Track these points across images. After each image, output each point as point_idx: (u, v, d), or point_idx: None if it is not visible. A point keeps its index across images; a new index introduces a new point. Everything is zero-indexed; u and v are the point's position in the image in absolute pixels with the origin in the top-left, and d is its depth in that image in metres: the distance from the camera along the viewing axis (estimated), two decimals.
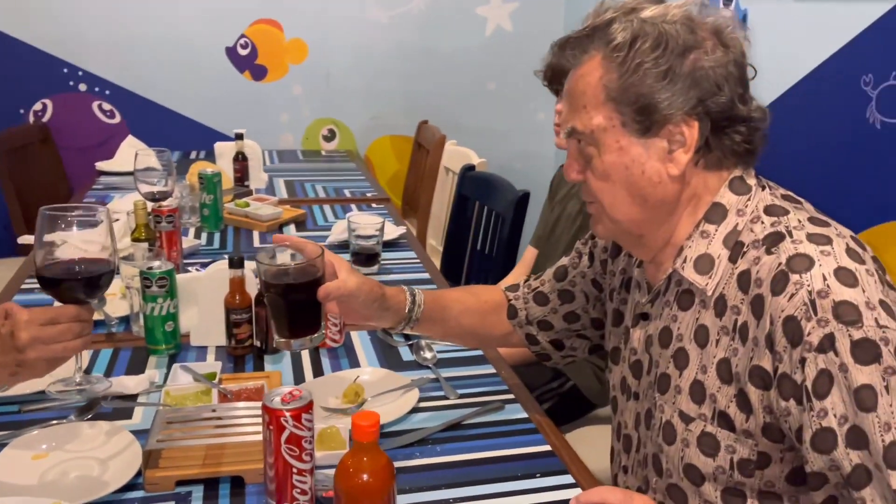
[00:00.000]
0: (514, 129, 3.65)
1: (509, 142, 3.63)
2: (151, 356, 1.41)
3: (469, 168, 2.44)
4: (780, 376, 0.81)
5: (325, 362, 1.42)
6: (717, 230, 0.92)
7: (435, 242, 2.94)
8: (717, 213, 0.92)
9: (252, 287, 1.44)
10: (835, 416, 0.77)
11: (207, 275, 1.48)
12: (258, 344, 1.44)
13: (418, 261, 2.01)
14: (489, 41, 3.54)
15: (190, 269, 1.78)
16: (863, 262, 0.82)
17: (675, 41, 0.87)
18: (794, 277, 0.81)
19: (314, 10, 3.39)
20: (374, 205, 2.56)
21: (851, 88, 1.81)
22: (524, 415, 1.25)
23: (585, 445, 1.24)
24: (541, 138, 3.69)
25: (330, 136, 3.57)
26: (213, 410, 1.14)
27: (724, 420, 0.88)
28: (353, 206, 2.52)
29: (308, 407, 0.94)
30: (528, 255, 1.93)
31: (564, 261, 1.26)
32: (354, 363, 1.42)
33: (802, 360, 0.79)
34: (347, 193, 2.69)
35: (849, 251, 0.82)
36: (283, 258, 1.08)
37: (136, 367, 1.37)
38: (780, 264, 0.83)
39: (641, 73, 0.88)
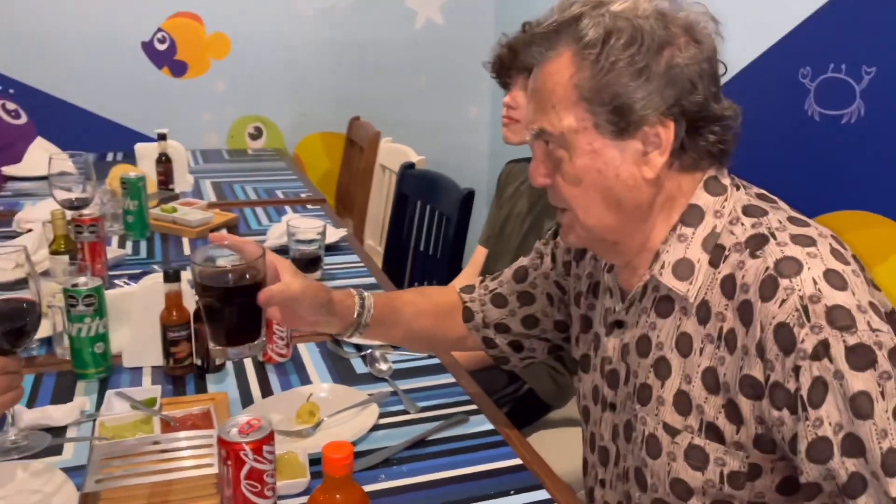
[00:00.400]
0: (447, 124, 3.60)
1: (442, 137, 3.57)
2: (79, 381, 1.29)
3: (409, 166, 2.37)
4: (771, 385, 0.78)
5: (273, 379, 1.33)
6: (694, 233, 0.88)
7: (373, 243, 2.86)
8: (693, 216, 0.89)
9: (190, 301, 1.33)
10: (830, 424, 0.74)
11: (140, 289, 1.36)
12: (199, 363, 1.33)
13: (362, 265, 1.93)
14: (420, 35, 3.46)
15: (117, 282, 1.65)
16: (847, 262, 0.80)
17: (651, 37, 0.83)
18: (783, 282, 0.78)
19: (236, 3, 3.23)
20: (309, 206, 2.45)
21: (789, 81, 1.83)
22: (490, 426, 1.20)
23: (544, 449, 1.20)
24: (474, 133, 3.65)
25: (256, 135, 3.43)
26: (156, 442, 1.04)
27: (712, 432, 0.84)
28: (287, 207, 2.41)
29: (269, 438, 0.86)
30: (477, 255, 1.88)
31: (524, 261, 1.21)
32: (305, 379, 1.34)
33: (796, 369, 0.76)
34: (280, 195, 2.57)
35: (833, 252, 0.80)
36: (220, 258, 1.00)
37: (63, 395, 1.25)
38: (767, 268, 0.80)
39: (616, 71, 0.83)
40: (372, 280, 1.82)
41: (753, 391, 0.80)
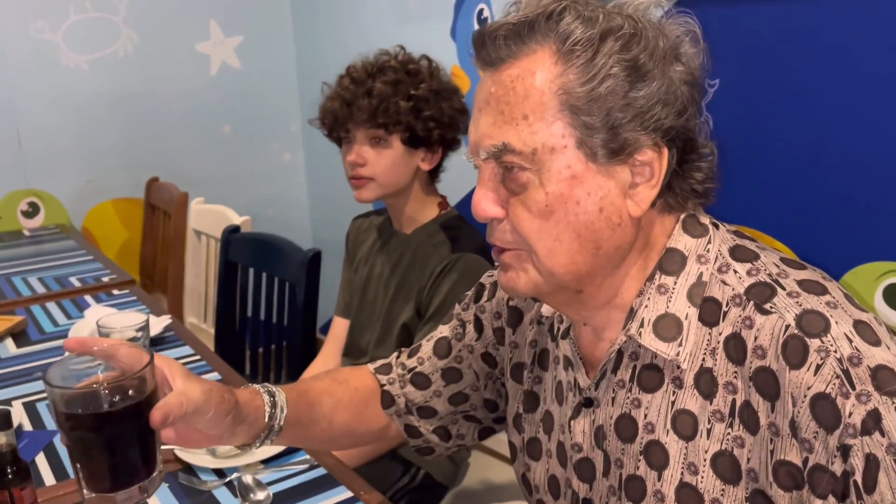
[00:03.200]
0: (259, 174, 3.28)
1: (256, 188, 3.25)
2: None
3: (233, 230, 2.06)
4: (811, 469, 0.64)
5: None
6: (676, 283, 0.74)
7: (196, 320, 2.49)
8: (673, 262, 0.74)
9: None
10: None
11: None
12: None
13: (198, 357, 1.61)
14: (217, 80, 3.13)
15: None
16: (864, 309, 0.68)
17: (655, 43, 0.69)
18: (813, 343, 0.64)
19: None
20: (115, 291, 2.06)
21: None
22: None
23: None
24: (291, 181, 3.37)
25: (32, 212, 2.91)
26: None
27: None
28: (87, 297, 2.01)
29: None
30: (336, 328, 1.63)
31: (445, 331, 1.02)
32: None
33: (844, 448, 0.62)
34: (76, 282, 2.15)
35: (848, 298, 0.69)
36: (84, 372, 0.76)
37: None
38: (787, 327, 0.66)
39: (613, 80, 0.67)
40: (215, 375, 1.51)
41: (792, 479, 0.66)
